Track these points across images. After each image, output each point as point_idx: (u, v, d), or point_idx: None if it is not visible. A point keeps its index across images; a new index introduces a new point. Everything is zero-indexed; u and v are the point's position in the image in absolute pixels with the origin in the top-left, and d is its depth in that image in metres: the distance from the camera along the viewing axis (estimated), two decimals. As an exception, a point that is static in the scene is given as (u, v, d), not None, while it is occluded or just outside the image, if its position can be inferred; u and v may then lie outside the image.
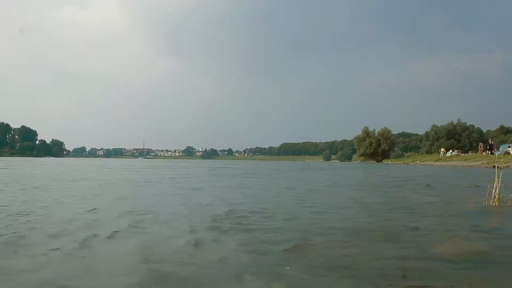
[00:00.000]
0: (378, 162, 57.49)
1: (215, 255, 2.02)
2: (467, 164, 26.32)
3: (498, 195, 3.75)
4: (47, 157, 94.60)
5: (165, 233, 2.64)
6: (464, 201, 4.51)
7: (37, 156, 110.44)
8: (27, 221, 2.98)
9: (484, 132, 72.55)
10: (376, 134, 62.34)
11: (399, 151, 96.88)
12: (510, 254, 2.10)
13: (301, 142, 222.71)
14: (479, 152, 34.97)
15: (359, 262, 1.94)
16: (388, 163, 45.56)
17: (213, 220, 3.10)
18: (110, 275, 1.71)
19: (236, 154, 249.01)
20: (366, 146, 61.70)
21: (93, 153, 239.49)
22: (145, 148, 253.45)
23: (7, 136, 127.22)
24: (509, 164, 19.24)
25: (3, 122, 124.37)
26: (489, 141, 34.13)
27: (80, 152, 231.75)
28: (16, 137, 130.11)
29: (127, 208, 3.74)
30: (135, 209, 3.72)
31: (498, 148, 30.53)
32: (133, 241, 2.36)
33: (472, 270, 1.80)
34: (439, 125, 74.66)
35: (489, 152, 30.82)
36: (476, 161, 26.46)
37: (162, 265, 1.84)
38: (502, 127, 69.14)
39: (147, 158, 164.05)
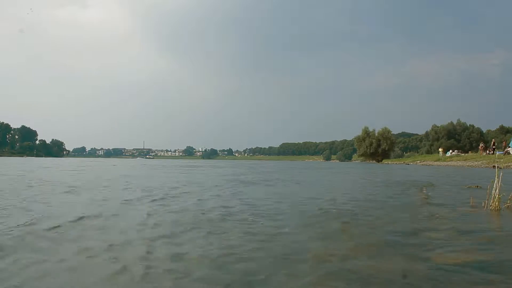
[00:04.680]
0: (378, 162, 57.49)
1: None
2: (467, 164, 26.29)
3: (498, 196, 3.70)
4: (26, 157, 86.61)
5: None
6: (464, 201, 4.47)
7: (37, 156, 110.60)
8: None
9: (484, 132, 72.67)
10: (376, 134, 62.33)
11: (399, 151, 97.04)
12: (509, 256, 2.05)
13: (301, 142, 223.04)
14: (479, 152, 34.99)
15: (358, 266, 1.90)
16: (388, 163, 45.55)
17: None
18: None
19: (236, 154, 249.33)
20: (366, 146, 61.71)
21: (93, 153, 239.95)
22: (145, 148, 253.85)
23: (7, 136, 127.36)
24: (509, 164, 19.22)
25: (3, 122, 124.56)
26: (492, 141, 34.15)
27: (80, 152, 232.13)
28: (16, 137, 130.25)
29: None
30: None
31: (509, 145, 29.92)
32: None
33: (471, 271, 1.76)
34: (439, 125, 74.79)
35: (492, 152, 30.77)
36: (476, 161, 26.43)
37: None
38: (502, 127, 69.26)
39: (147, 158, 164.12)
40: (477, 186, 6.61)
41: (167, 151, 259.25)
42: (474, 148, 54.89)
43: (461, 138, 70.07)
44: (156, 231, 2.68)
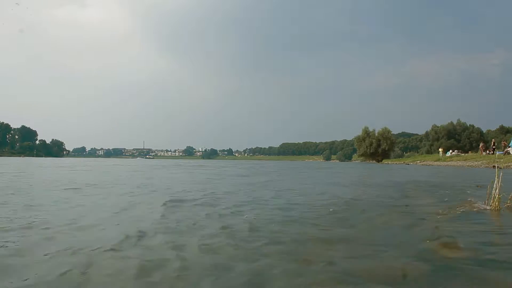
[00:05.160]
0: (378, 162, 57.48)
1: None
2: (467, 164, 26.29)
3: (498, 196, 3.72)
4: (23, 157, 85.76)
5: None
6: (464, 201, 4.49)
7: (37, 156, 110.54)
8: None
9: (484, 132, 72.64)
10: (376, 134, 62.31)
11: (399, 151, 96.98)
12: (508, 255, 2.07)
13: (301, 142, 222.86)
14: (479, 152, 34.99)
15: (358, 264, 1.92)
16: (388, 163, 45.55)
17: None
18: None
19: (236, 154, 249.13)
20: (366, 146, 61.69)
21: (93, 153, 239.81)
22: (145, 148, 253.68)
23: (7, 136, 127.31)
24: (509, 164, 19.22)
25: (3, 122, 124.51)
26: (492, 141, 34.16)
27: (80, 152, 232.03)
28: (16, 137, 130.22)
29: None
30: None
31: (509, 145, 29.78)
32: None
33: (471, 271, 1.78)
34: (439, 125, 74.75)
35: (492, 152, 30.74)
36: (476, 161, 26.43)
37: None
38: (502, 127, 69.23)
39: (147, 158, 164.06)
40: (478, 186, 6.64)
41: (167, 151, 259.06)
42: (474, 148, 54.86)
43: (461, 138, 70.05)
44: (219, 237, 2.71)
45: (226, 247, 2.25)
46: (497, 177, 3.69)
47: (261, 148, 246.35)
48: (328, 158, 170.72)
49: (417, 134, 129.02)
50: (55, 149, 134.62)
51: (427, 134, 79.75)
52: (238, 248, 2.23)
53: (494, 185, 3.76)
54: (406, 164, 39.27)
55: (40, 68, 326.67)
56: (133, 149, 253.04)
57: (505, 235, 2.64)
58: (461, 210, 3.75)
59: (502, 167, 16.63)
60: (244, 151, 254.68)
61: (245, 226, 2.87)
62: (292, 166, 27.98)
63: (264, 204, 4.25)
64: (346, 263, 1.92)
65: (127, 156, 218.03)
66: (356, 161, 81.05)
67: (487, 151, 32.64)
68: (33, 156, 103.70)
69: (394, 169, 21.51)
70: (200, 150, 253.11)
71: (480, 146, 36.56)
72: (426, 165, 32.87)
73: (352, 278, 1.70)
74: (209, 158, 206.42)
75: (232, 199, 4.75)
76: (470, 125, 73.36)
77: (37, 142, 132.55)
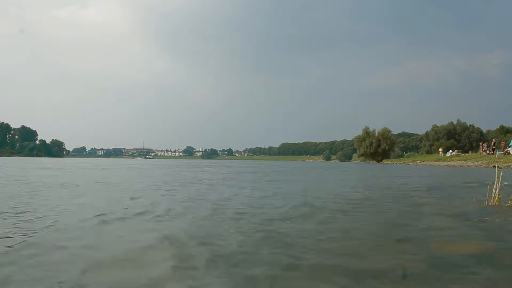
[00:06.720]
0: (378, 162, 57.49)
1: None
2: (467, 164, 26.33)
3: (498, 195, 3.76)
4: (14, 156, 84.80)
5: None
6: (465, 201, 4.52)
7: (37, 156, 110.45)
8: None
9: (484, 132, 72.62)
10: (376, 134, 62.29)
11: (399, 151, 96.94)
12: (510, 255, 2.10)
13: (301, 142, 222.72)
14: (479, 151, 35.01)
15: (359, 260, 1.95)
16: (388, 163, 45.56)
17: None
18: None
19: (236, 154, 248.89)
20: (367, 146, 61.68)
21: (93, 153, 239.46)
22: (145, 148, 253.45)
23: (7, 136, 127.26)
24: (509, 164, 19.24)
25: (3, 122, 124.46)
26: (493, 141, 34.20)
27: (80, 152, 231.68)
28: (16, 137, 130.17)
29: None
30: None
31: (508, 145, 29.68)
32: None
33: (471, 270, 1.80)
34: (439, 125, 74.74)
35: (492, 152, 30.73)
36: (476, 161, 26.47)
37: None
38: (502, 127, 69.16)
39: (147, 158, 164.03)
40: (476, 186, 6.68)
41: (167, 151, 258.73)
42: (474, 148, 54.85)
43: (461, 138, 70.04)
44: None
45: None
46: (497, 177, 3.73)
47: (261, 148, 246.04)
48: (328, 158, 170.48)
49: (417, 134, 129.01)
50: (55, 149, 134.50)
51: (427, 134, 79.70)
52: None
53: (494, 185, 3.80)
54: (407, 164, 39.30)
55: (40, 68, 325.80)
56: (133, 149, 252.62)
57: (506, 234, 2.67)
58: (462, 210, 3.79)
59: (502, 167, 16.63)
60: (244, 151, 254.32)
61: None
62: (310, 166, 27.97)
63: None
64: (347, 257, 1.95)
65: (127, 156, 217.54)
66: (356, 161, 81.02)
67: (487, 151, 32.66)
68: (33, 156, 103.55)
69: (395, 169, 21.54)
70: (200, 150, 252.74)
71: (480, 144, 36.63)
72: (426, 165, 32.90)
73: (352, 274, 1.73)
74: (209, 158, 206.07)
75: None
76: (470, 125, 73.37)
77: (37, 142, 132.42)
